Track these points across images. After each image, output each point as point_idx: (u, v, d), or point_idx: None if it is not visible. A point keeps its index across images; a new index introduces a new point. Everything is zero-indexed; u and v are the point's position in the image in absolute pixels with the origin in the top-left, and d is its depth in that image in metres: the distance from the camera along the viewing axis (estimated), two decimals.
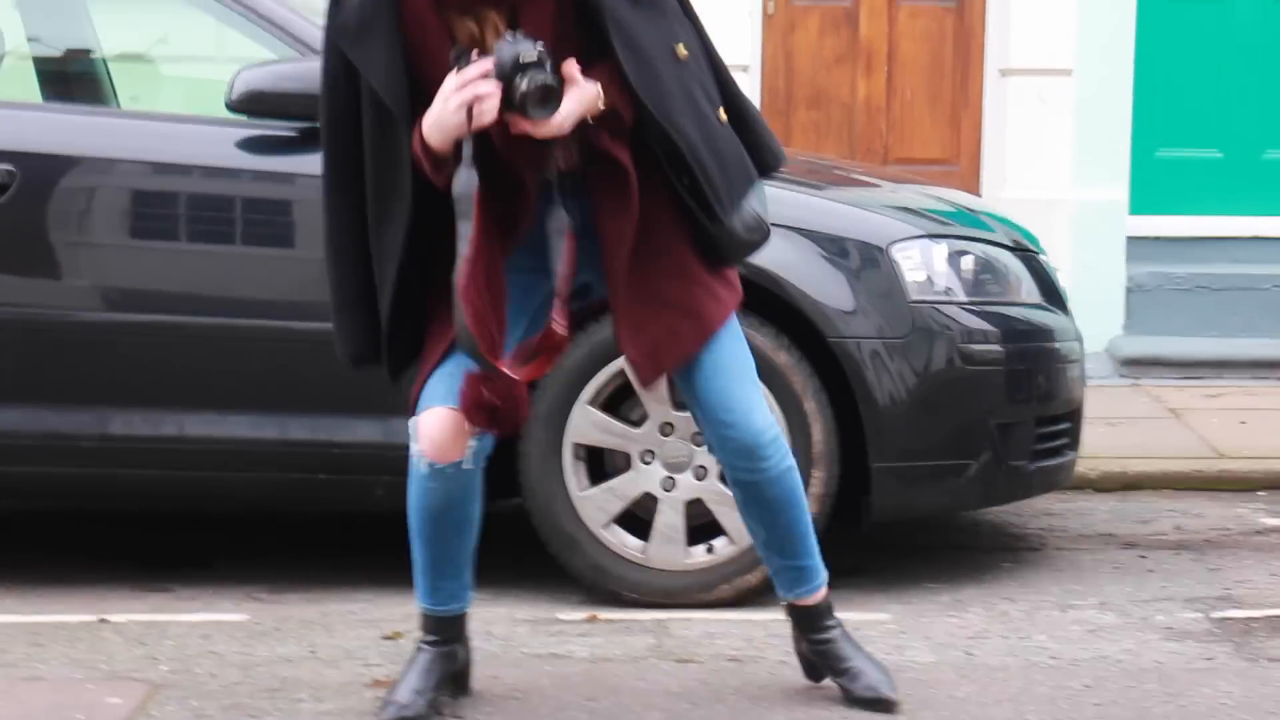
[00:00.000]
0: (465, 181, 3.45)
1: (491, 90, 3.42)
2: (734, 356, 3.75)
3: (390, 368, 3.77)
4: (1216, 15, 8.83)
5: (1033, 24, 8.62)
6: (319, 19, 5.07)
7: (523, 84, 3.41)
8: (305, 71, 4.77)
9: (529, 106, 3.42)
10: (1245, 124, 8.89)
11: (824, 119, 8.86)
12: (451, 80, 3.43)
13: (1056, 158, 8.64)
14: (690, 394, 3.78)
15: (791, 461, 3.82)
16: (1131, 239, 8.63)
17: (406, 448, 4.88)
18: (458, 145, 3.46)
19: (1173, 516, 6.16)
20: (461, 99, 3.42)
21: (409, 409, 3.72)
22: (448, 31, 3.51)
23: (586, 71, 3.49)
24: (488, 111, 3.43)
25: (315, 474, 4.93)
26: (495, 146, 3.54)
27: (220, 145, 4.90)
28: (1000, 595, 5.07)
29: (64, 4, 5.55)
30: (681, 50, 3.58)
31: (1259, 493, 6.53)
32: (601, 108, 3.51)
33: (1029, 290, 5.25)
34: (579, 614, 4.79)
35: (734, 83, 3.77)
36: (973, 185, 8.82)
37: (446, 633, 3.88)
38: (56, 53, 5.55)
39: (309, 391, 4.89)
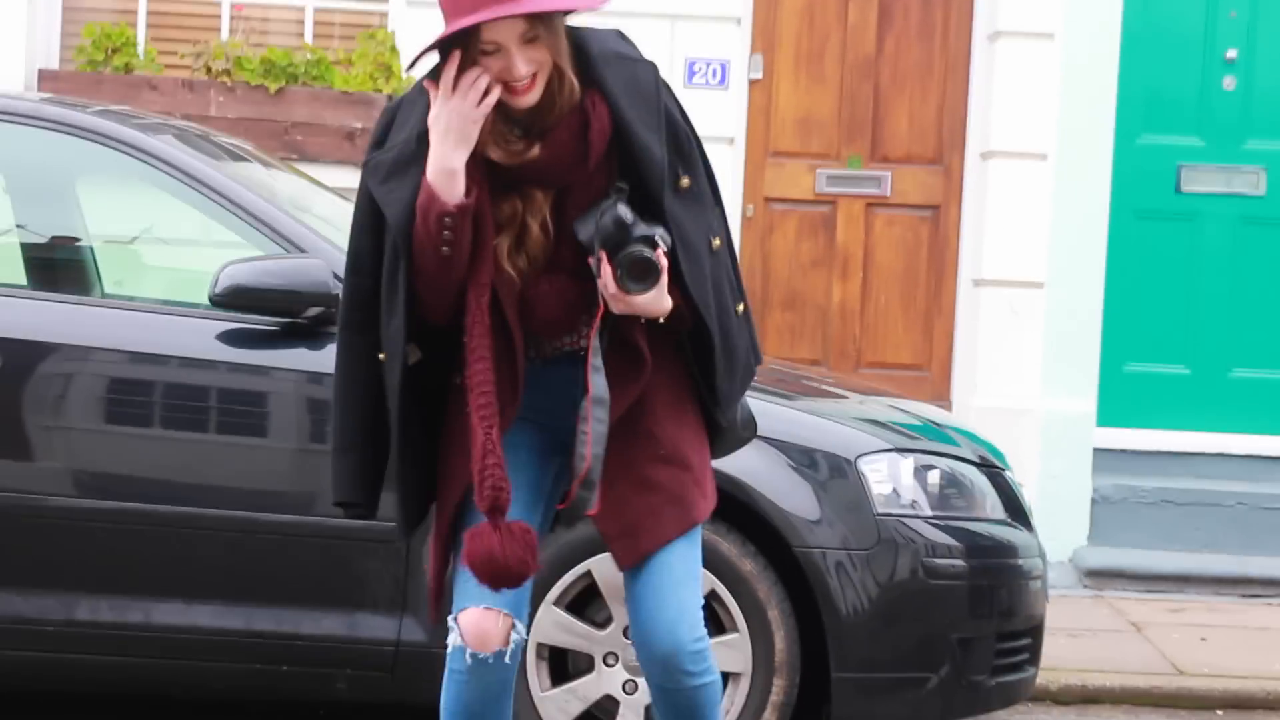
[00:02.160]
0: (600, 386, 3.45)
1: (488, 82, 3.37)
2: (683, 561, 3.60)
3: (403, 522, 3.66)
4: (1186, 235, 8.97)
5: (1006, 236, 8.75)
6: (305, 216, 5.24)
7: (632, 251, 3.38)
8: (289, 269, 4.90)
9: (627, 277, 3.39)
10: (1212, 342, 8.99)
11: (799, 321, 8.97)
12: (444, 102, 3.38)
13: (1026, 368, 8.73)
14: (628, 587, 3.64)
15: (715, 676, 3.64)
16: (1098, 450, 8.69)
17: (367, 641, 4.93)
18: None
19: None
20: (474, 98, 3.37)
21: (431, 569, 3.63)
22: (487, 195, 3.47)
23: None
24: (493, 94, 3.38)
25: (279, 665, 4.94)
26: (514, 308, 3.52)
27: (199, 336, 4.98)
28: None
29: (53, 191, 5.65)
30: (716, 242, 3.58)
31: (1217, 711, 6.55)
32: (662, 320, 3.50)
33: (993, 506, 5.30)
34: None
35: (740, 276, 3.71)
36: (943, 392, 8.92)
37: None
38: (43, 239, 5.64)
39: (275, 583, 4.93)
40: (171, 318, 5.10)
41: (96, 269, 5.67)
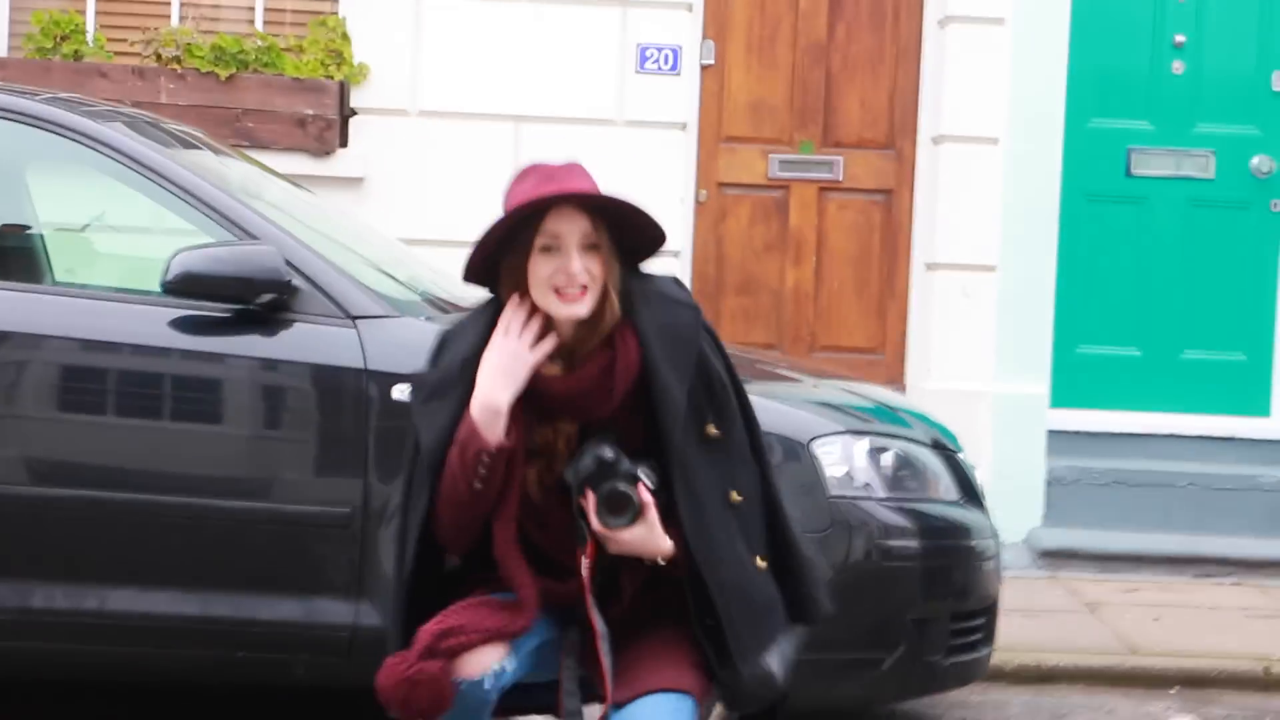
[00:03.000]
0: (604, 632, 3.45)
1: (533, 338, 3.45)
2: (669, 713, 3.44)
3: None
4: (1137, 218, 9.03)
5: (958, 220, 8.79)
6: (256, 203, 5.23)
7: (608, 485, 3.40)
8: (241, 255, 4.89)
9: (604, 511, 3.40)
10: (1164, 324, 9.06)
11: (753, 305, 8.99)
12: (500, 340, 3.44)
13: (979, 350, 8.77)
14: None
15: None
16: (1052, 432, 8.75)
17: (324, 626, 4.90)
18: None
19: (1085, 712, 6.21)
20: (529, 339, 3.45)
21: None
22: (523, 428, 3.49)
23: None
24: (548, 341, 3.45)
25: (236, 651, 4.93)
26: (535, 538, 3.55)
27: (151, 324, 4.95)
28: None
29: (3, 179, 5.61)
30: (735, 496, 3.54)
31: (1171, 690, 6.59)
32: (661, 562, 3.47)
33: (947, 488, 5.33)
34: None
35: (789, 528, 3.66)
36: (897, 375, 8.95)
37: None
38: None
39: (231, 569, 4.92)
40: (123, 305, 5.07)
41: (47, 257, 5.65)
